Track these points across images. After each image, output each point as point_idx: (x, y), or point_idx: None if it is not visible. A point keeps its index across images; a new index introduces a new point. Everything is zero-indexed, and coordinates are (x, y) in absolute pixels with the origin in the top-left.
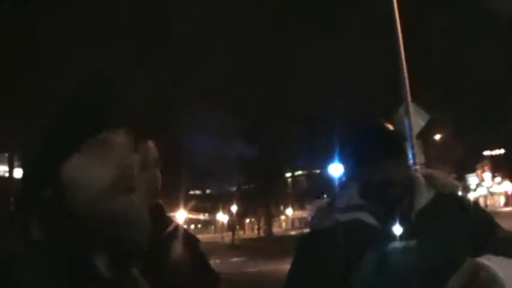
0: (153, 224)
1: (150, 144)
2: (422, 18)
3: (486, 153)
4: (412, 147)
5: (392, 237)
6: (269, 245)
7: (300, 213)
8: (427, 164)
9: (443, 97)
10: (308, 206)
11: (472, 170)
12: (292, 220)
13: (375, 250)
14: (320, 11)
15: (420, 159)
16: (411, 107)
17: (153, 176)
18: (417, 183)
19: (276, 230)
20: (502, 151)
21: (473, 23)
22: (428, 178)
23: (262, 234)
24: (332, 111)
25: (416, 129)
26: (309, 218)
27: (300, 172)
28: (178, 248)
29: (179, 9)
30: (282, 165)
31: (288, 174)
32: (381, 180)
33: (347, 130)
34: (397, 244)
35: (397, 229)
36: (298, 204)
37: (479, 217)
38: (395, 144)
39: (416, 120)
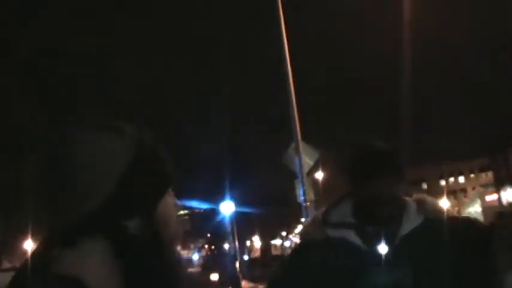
0: None
1: None
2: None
3: None
4: (303, 185)
5: (375, 259)
6: None
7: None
8: (316, 201)
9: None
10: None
11: None
12: None
13: (356, 272)
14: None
15: (310, 196)
16: (301, 145)
17: None
18: (408, 208)
19: None
20: None
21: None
22: (419, 203)
23: None
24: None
25: (306, 168)
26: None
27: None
28: None
29: None
30: None
31: None
32: (378, 195)
33: (355, 150)
34: (378, 268)
35: (381, 251)
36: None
37: (470, 240)
38: (394, 163)
39: (306, 158)
